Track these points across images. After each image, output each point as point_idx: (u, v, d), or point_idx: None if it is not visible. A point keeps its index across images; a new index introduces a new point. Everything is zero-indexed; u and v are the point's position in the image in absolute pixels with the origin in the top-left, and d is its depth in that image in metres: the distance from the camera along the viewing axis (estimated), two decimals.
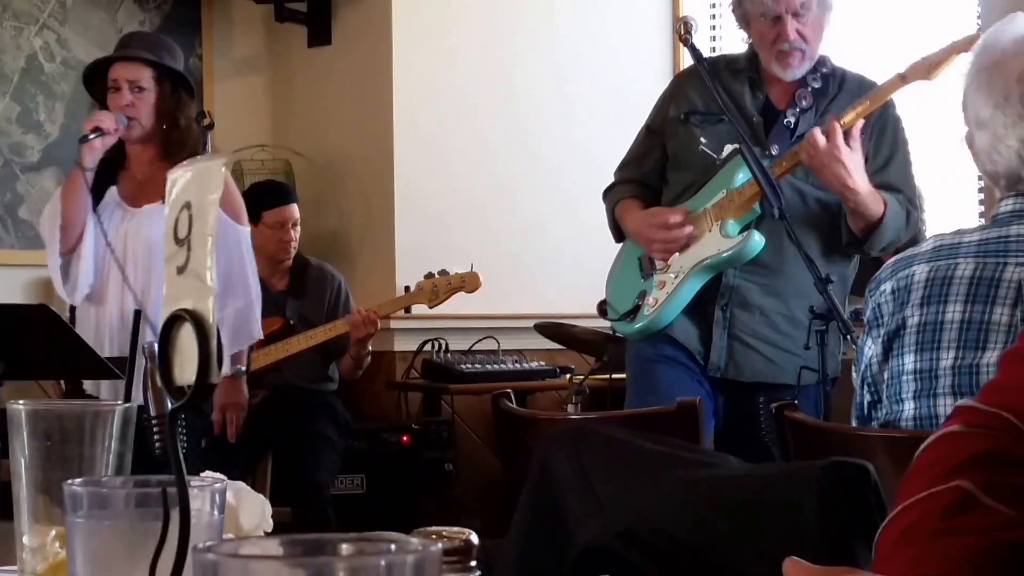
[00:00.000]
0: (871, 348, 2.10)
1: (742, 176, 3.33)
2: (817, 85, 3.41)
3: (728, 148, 3.40)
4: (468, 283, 4.70)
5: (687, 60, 3.95)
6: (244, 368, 4.17)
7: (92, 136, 3.72)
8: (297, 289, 4.95)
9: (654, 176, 3.56)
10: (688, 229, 3.37)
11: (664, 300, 3.38)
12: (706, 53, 3.56)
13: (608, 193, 3.65)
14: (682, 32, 3.42)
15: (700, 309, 3.38)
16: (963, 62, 3.14)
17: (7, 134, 5.22)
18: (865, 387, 2.13)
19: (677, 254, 3.39)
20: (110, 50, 5.42)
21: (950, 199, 5.11)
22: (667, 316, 3.37)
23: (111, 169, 3.81)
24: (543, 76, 5.65)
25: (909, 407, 1.99)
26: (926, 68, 3.20)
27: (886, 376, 2.05)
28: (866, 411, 2.15)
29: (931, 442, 1.30)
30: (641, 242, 3.49)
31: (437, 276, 4.73)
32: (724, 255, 3.32)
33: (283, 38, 5.75)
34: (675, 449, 1.91)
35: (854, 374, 2.20)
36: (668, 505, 1.74)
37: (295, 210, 4.95)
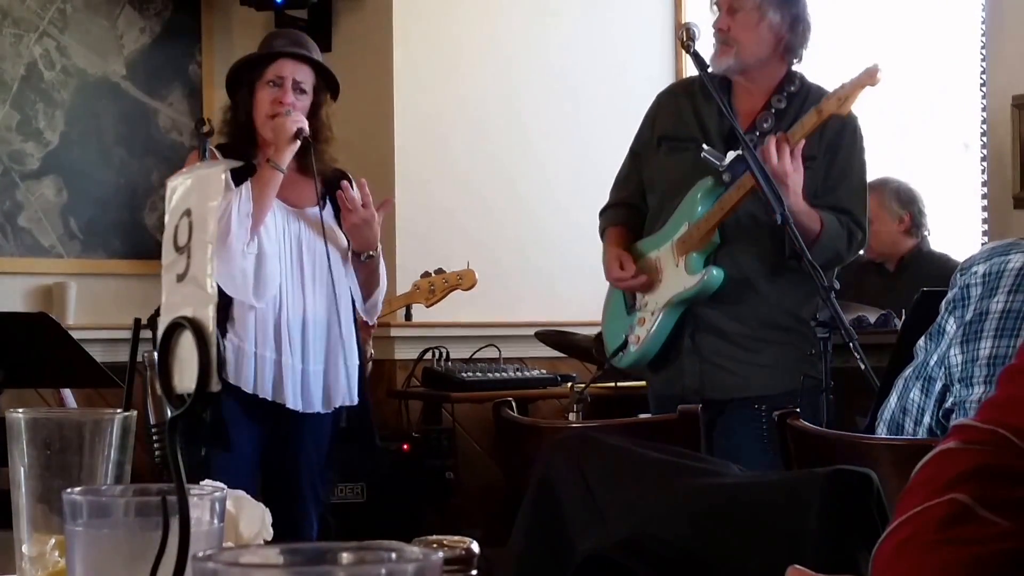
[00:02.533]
0: (952, 327, 2.09)
1: (702, 208, 3.44)
2: (782, 106, 3.48)
3: (731, 155, 3.43)
4: (464, 280, 4.69)
5: (689, 66, 3.97)
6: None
7: (304, 137, 3.60)
8: None
9: (638, 198, 3.68)
10: (641, 279, 3.53)
11: (645, 336, 3.54)
12: (708, 60, 3.58)
13: (602, 214, 3.79)
14: (684, 39, 3.46)
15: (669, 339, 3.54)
16: (869, 94, 3.25)
17: (7, 142, 5.22)
18: (941, 369, 2.10)
19: (651, 292, 3.55)
20: (111, 58, 5.45)
21: (953, 208, 5.11)
22: (651, 350, 3.54)
23: (240, 173, 3.62)
24: (545, 84, 5.66)
25: (978, 391, 1.98)
26: (837, 102, 3.27)
27: (960, 359, 2.04)
28: (935, 398, 2.11)
29: (927, 460, 1.31)
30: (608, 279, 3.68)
31: (433, 275, 4.72)
32: (688, 293, 3.46)
33: None
34: (676, 457, 1.91)
35: (918, 358, 2.17)
36: (669, 513, 1.73)
37: None
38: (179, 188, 0.94)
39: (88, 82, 5.40)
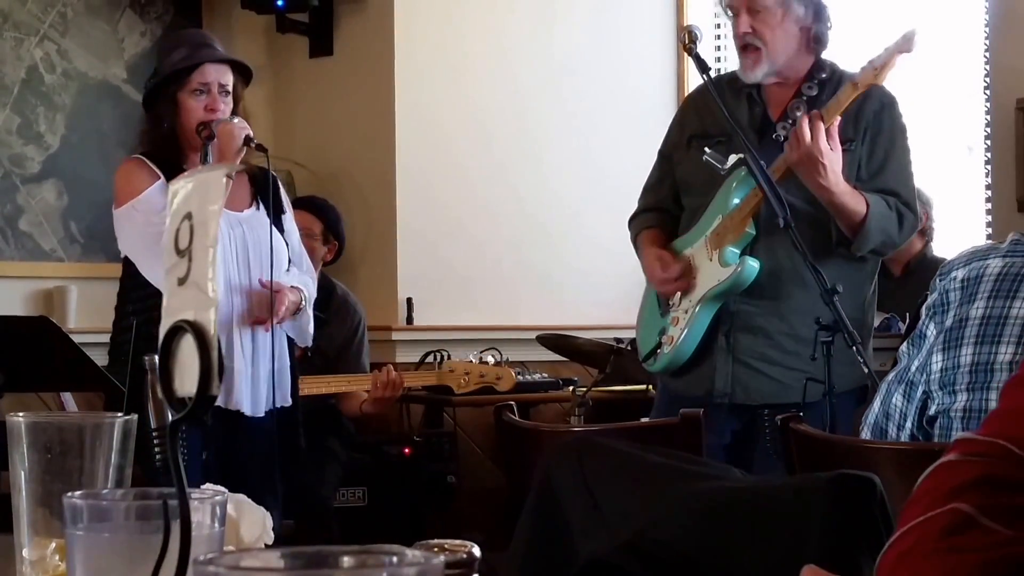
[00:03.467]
0: (932, 333, 2.07)
1: (736, 199, 3.36)
2: (813, 93, 3.40)
3: (733, 158, 3.41)
4: (503, 381, 4.62)
5: (691, 69, 3.96)
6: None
7: (254, 143, 3.64)
8: (318, 317, 4.91)
9: (670, 201, 3.60)
10: (678, 274, 3.42)
11: (680, 336, 3.42)
12: (710, 63, 3.56)
13: (631, 222, 3.69)
14: (686, 41, 3.41)
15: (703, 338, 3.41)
16: (906, 62, 3.17)
17: (7, 145, 5.21)
18: (923, 375, 2.07)
19: (685, 291, 3.45)
20: (111, 62, 5.44)
21: (957, 210, 5.11)
22: (686, 350, 3.41)
23: (175, 173, 3.70)
24: (547, 87, 5.66)
25: (961, 399, 1.97)
26: (873, 72, 3.20)
27: (940, 366, 2.02)
28: (916, 404, 2.09)
29: (929, 472, 1.32)
30: (650, 283, 3.57)
31: (474, 361, 4.67)
32: (722, 286, 3.35)
33: (285, 49, 5.76)
34: (678, 461, 1.90)
35: (901, 363, 2.15)
36: (671, 517, 1.73)
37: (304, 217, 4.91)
38: (180, 192, 0.94)
39: (89, 85, 5.40)
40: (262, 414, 3.73)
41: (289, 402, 3.81)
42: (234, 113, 3.72)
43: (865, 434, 2.18)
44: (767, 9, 3.35)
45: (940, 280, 2.09)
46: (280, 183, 3.98)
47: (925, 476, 1.31)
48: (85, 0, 5.39)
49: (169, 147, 3.68)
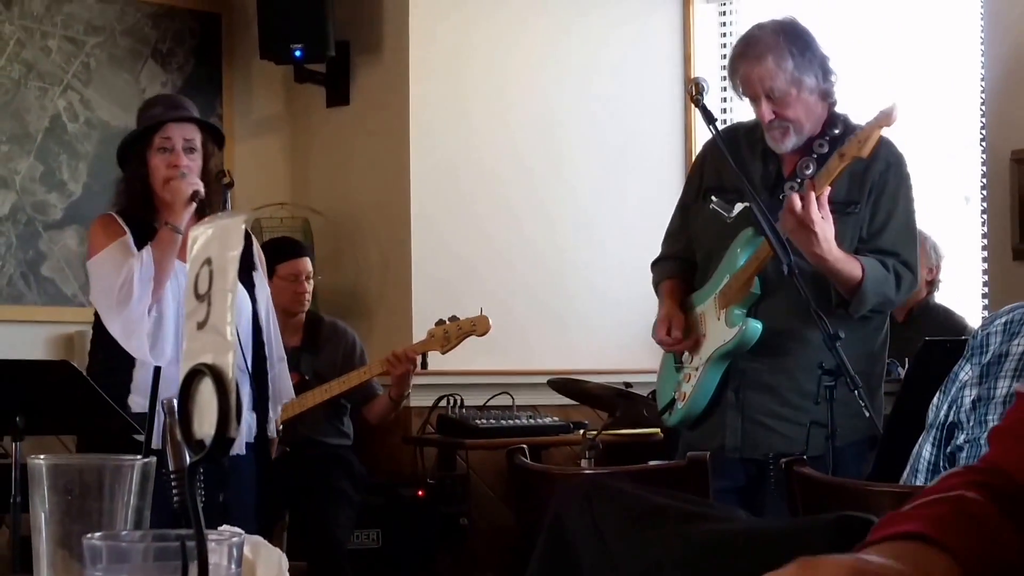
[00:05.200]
0: (968, 374, 2.06)
1: (743, 259, 3.40)
2: (824, 151, 3.41)
3: (739, 206, 3.46)
4: (479, 326, 4.72)
5: (699, 119, 4.02)
6: (280, 430, 4.16)
7: (196, 201, 3.65)
8: (311, 345, 5.01)
9: (690, 251, 3.64)
10: (686, 342, 3.49)
11: (691, 393, 3.48)
12: (717, 114, 3.61)
13: (654, 266, 3.74)
14: (693, 93, 3.45)
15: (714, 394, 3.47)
16: (888, 133, 3.23)
17: (31, 192, 5.26)
18: (951, 408, 2.07)
19: (697, 348, 3.50)
20: (133, 111, 5.47)
21: (954, 260, 5.16)
22: (697, 407, 3.47)
23: (144, 230, 3.71)
24: (559, 136, 5.69)
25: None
26: (857, 144, 3.22)
27: (972, 396, 2.02)
28: (944, 432, 2.08)
29: (930, 483, 1.37)
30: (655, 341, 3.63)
31: (448, 322, 4.78)
32: (727, 346, 3.40)
33: (302, 98, 5.82)
34: (685, 503, 1.96)
35: (937, 403, 2.12)
36: (677, 560, 1.79)
37: (308, 263, 5.02)
38: (200, 238, 0.95)
39: (111, 134, 5.41)
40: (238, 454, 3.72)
41: (242, 451, 3.74)
42: (207, 170, 3.76)
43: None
44: (782, 92, 3.39)
45: (983, 329, 2.09)
46: (253, 237, 3.99)
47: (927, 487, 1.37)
48: (108, 51, 5.46)
49: (138, 204, 3.74)
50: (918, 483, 2.08)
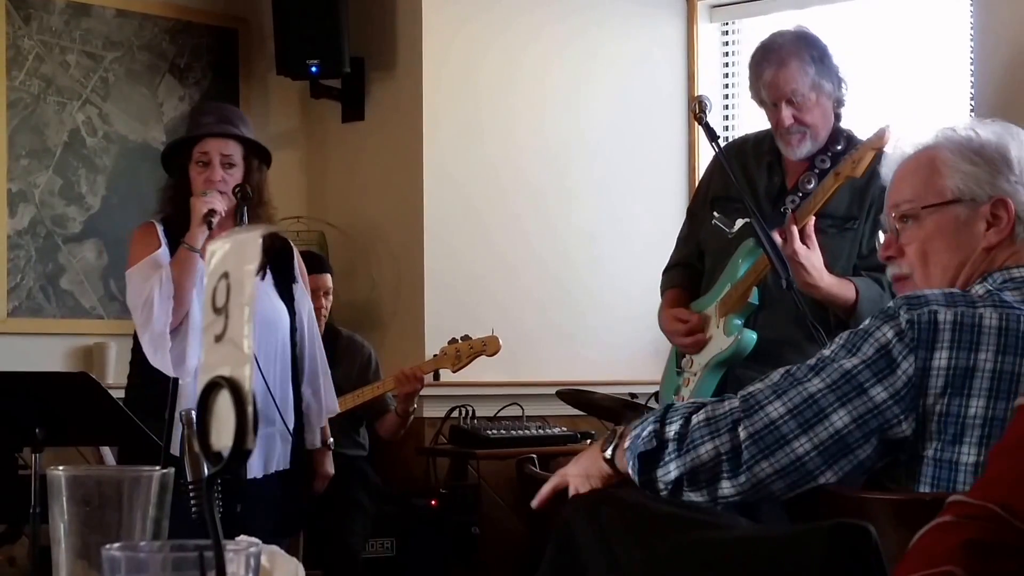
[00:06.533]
0: (911, 367, 1.90)
1: (743, 269, 3.44)
2: (826, 166, 3.45)
3: (740, 222, 3.50)
4: (489, 346, 4.78)
5: (703, 137, 4.07)
6: (332, 441, 4.15)
7: (214, 220, 3.64)
8: (328, 358, 5.06)
9: (696, 258, 3.68)
10: (695, 334, 3.50)
11: (689, 397, 3.50)
12: (719, 131, 3.64)
13: (663, 275, 3.77)
14: (696, 111, 3.47)
15: None
16: (880, 155, 3.24)
17: (50, 206, 5.26)
18: (900, 408, 1.91)
19: (697, 354, 3.53)
20: (151, 125, 5.56)
21: None
22: None
23: (178, 238, 3.70)
24: (566, 152, 5.72)
25: (971, 451, 1.87)
26: (852, 164, 3.24)
27: (941, 409, 1.90)
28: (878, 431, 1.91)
29: (924, 531, 1.39)
30: (665, 335, 3.65)
31: (460, 341, 4.84)
32: (724, 354, 3.44)
33: (318, 114, 5.84)
34: (688, 511, 2.01)
35: (835, 367, 1.95)
36: (681, 567, 1.85)
37: (328, 279, 5.08)
38: (218, 252, 0.95)
39: (129, 148, 5.44)
40: (258, 476, 3.75)
41: (288, 466, 3.83)
42: (246, 184, 3.74)
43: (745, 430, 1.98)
44: (804, 96, 3.42)
45: (913, 310, 1.92)
46: (295, 250, 4.00)
47: (921, 535, 1.41)
48: (126, 66, 5.47)
49: (179, 213, 3.74)
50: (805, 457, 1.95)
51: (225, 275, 0.92)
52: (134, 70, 5.52)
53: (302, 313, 3.94)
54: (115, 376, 5.15)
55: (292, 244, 4.01)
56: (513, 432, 5.16)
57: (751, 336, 3.42)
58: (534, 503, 2.13)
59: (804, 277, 3.24)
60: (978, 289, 2.00)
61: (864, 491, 1.95)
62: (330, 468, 4.27)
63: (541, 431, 5.22)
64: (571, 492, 2.07)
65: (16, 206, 5.23)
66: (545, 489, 2.12)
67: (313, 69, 5.49)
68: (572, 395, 5.01)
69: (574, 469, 2.11)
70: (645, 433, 2.01)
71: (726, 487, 1.97)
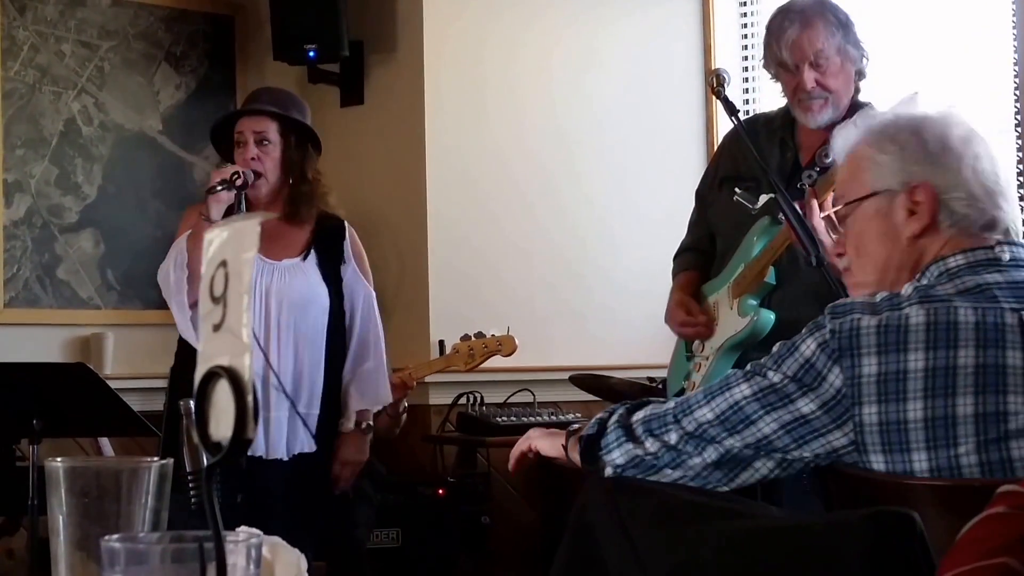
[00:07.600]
0: (837, 379, 1.89)
1: (758, 248, 3.38)
2: None
3: (764, 198, 3.44)
4: (504, 346, 4.69)
5: (721, 112, 4.00)
6: (372, 424, 4.12)
7: (220, 188, 3.73)
8: None
9: (707, 242, 3.64)
10: (702, 326, 3.46)
11: (701, 382, 3.44)
12: (739, 106, 3.58)
13: (675, 259, 3.74)
14: (715, 84, 3.40)
15: None
16: None
17: (46, 196, 5.28)
18: (829, 417, 1.89)
19: (708, 338, 3.48)
20: (147, 113, 5.54)
21: None
22: None
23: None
24: (577, 131, 5.68)
25: (921, 457, 1.83)
26: (826, 184, 3.16)
27: (876, 419, 1.85)
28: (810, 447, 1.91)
29: (977, 521, 1.33)
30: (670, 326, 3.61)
31: (473, 339, 4.74)
32: (739, 336, 3.38)
33: (316, 98, 5.79)
34: (712, 499, 1.93)
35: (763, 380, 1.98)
36: (708, 557, 1.76)
37: None
38: (215, 240, 0.95)
39: (125, 137, 5.46)
40: (283, 458, 3.81)
41: (313, 448, 3.87)
42: (296, 171, 3.89)
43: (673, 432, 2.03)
44: (829, 59, 3.38)
45: (836, 319, 1.92)
46: (350, 231, 4.09)
47: (972, 525, 1.34)
48: (122, 54, 5.47)
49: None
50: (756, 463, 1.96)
51: (223, 263, 0.92)
52: (130, 59, 5.53)
53: (353, 295, 3.95)
54: (112, 366, 5.16)
55: (347, 225, 3.98)
56: (524, 419, 5.10)
57: (768, 316, 3.36)
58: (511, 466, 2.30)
59: (822, 252, 3.17)
60: (907, 288, 1.96)
61: (907, 476, 1.85)
62: (354, 454, 4.16)
63: (553, 417, 5.16)
64: (535, 451, 2.25)
65: (12, 196, 5.24)
66: (515, 453, 2.29)
67: (311, 54, 5.47)
68: (586, 380, 4.96)
69: (537, 433, 2.30)
70: (592, 422, 2.13)
71: (669, 474, 2.02)
